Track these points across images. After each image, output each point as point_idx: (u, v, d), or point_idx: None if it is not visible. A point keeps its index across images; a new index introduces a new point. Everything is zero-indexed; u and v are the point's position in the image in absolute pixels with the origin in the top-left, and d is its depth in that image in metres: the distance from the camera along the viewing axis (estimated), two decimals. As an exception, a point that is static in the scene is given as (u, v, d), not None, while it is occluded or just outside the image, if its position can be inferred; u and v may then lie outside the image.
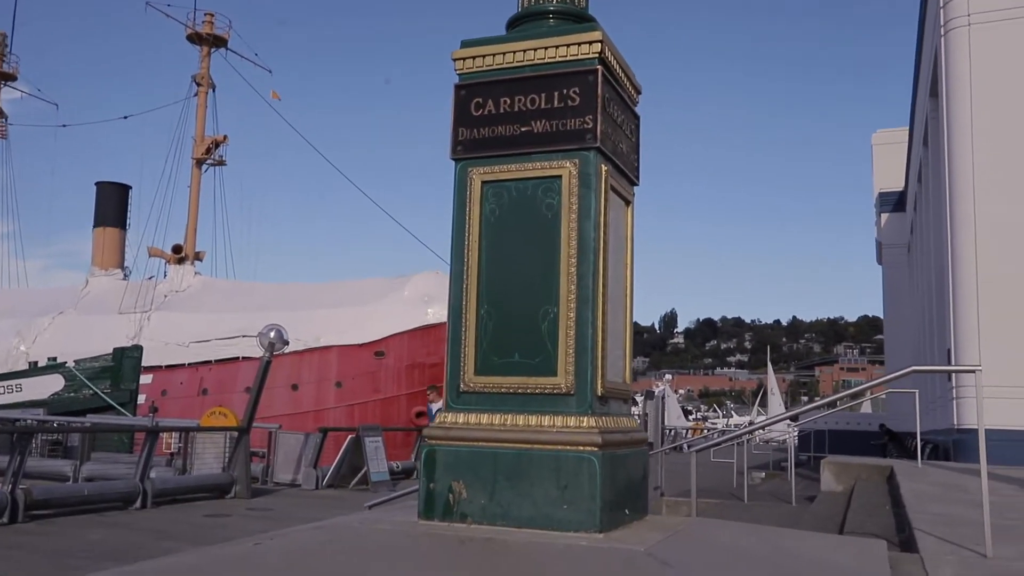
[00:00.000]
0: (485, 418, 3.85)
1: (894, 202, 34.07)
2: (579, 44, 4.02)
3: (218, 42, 33.63)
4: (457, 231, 4.07)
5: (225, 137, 33.23)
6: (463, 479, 3.80)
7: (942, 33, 15.46)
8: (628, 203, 4.38)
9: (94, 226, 34.12)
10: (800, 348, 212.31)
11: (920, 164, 23.00)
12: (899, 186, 32.40)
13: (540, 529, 3.63)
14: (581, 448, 3.66)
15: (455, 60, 4.23)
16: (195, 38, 33.46)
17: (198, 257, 32.65)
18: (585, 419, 3.71)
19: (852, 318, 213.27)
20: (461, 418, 3.90)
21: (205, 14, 33.72)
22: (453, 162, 4.15)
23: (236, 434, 13.30)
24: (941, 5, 15.45)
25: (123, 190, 34.64)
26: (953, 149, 14.94)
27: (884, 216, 35.06)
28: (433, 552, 3.34)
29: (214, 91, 33.56)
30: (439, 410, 15.53)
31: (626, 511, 3.92)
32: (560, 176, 3.92)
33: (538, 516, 3.66)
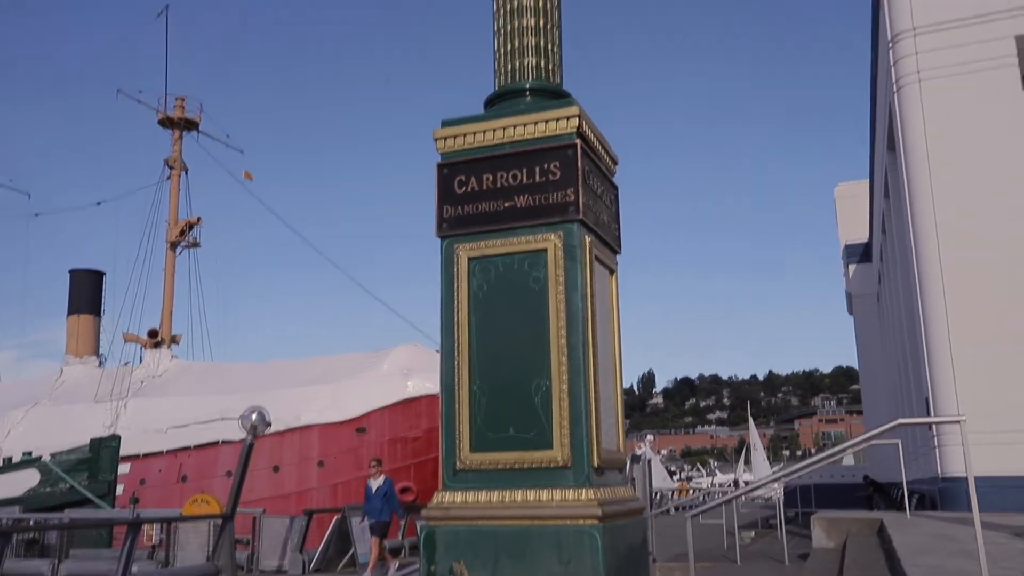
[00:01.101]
0: (483, 496, 3.82)
1: (860, 253, 34.69)
2: (557, 119, 4.10)
3: (189, 125, 33.91)
4: (446, 308, 4.09)
5: (199, 219, 33.23)
6: (464, 559, 3.75)
7: (895, 89, 15.94)
8: (612, 272, 4.44)
9: (68, 314, 33.70)
10: (778, 402, 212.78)
11: (883, 215, 23.50)
12: (864, 237, 33.03)
13: (545, 606, 3.58)
14: (581, 521, 3.63)
15: (436, 139, 4.30)
16: (166, 122, 33.71)
17: (174, 340, 32.32)
18: (584, 492, 3.70)
19: (827, 369, 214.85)
20: (459, 497, 3.86)
21: (176, 98, 34.08)
22: (439, 239, 4.20)
23: (220, 522, 13.02)
24: (891, 63, 15.96)
25: (97, 277, 34.38)
26: (914, 201, 15.29)
27: (851, 267, 35.67)
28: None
29: (187, 173, 33.73)
30: (379, 487, 14.86)
31: (629, 582, 3.88)
32: (546, 249, 3.97)
33: (542, 593, 3.61)
